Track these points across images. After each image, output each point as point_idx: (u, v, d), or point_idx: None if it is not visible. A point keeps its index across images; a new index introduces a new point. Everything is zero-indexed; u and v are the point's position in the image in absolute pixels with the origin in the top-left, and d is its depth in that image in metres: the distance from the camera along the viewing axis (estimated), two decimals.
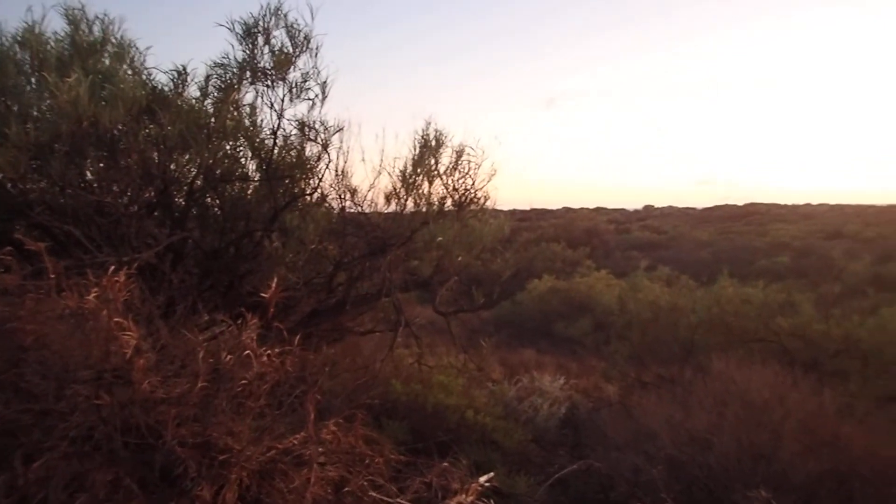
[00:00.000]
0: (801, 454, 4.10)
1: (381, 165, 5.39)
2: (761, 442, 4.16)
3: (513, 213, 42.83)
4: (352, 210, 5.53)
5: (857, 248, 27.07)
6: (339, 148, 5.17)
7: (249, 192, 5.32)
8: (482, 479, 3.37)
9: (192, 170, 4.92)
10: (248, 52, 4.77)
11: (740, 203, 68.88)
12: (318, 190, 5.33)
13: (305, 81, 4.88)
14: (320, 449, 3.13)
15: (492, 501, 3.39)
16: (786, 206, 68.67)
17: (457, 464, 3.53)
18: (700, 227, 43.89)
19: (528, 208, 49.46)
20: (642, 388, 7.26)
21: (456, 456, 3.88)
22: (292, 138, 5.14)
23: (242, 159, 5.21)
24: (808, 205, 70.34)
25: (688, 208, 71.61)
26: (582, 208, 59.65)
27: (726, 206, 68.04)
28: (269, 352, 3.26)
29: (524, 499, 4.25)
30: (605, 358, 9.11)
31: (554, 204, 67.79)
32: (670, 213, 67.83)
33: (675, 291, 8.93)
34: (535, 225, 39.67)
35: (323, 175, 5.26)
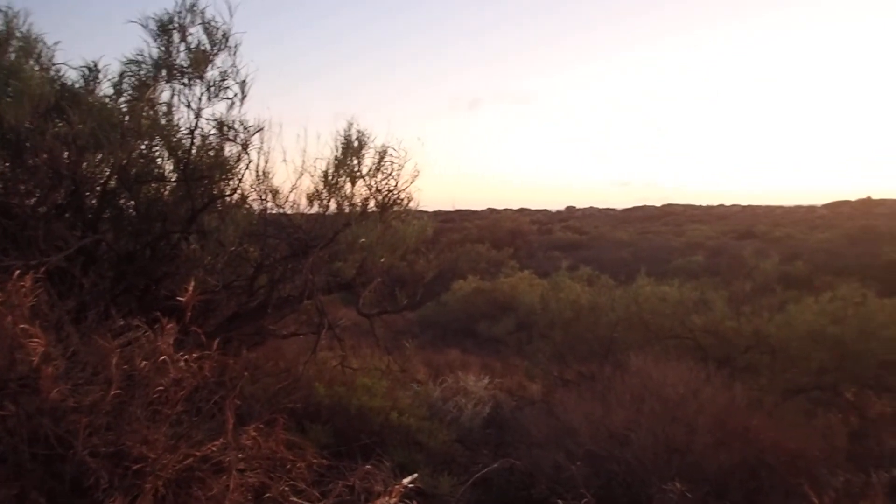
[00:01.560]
0: (713, 447, 4.25)
1: (302, 166, 5.34)
2: (676, 436, 4.29)
3: (437, 213, 43.04)
4: (273, 211, 5.45)
5: (767, 248, 28.14)
6: (260, 148, 5.09)
7: (166, 193, 5.18)
8: (406, 480, 3.37)
9: (105, 170, 4.76)
10: (163, 49, 4.64)
11: (658, 204, 70.95)
12: (238, 191, 5.23)
13: (224, 80, 4.79)
14: (240, 455, 3.07)
15: (415, 503, 3.39)
16: (701, 207, 71.03)
17: (380, 466, 3.52)
18: (620, 228, 44.96)
19: (452, 209, 49.76)
20: (564, 385, 7.39)
21: (379, 458, 3.86)
22: (211, 138, 5.03)
23: (158, 159, 5.07)
24: (721, 206, 72.90)
25: (608, 209, 73.29)
26: (506, 209, 60.24)
27: (645, 206, 70.00)
28: (186, 357, 3.19)
29: (447, 499, 4.27)
30: (528, 357, 9.23)
31: (478, 205, 68.38)
32: (591, 213, 69.28)
33: (596, 291, 9.12)
34: (459, 226, 39.93)
35: (243, 176, 5.17)
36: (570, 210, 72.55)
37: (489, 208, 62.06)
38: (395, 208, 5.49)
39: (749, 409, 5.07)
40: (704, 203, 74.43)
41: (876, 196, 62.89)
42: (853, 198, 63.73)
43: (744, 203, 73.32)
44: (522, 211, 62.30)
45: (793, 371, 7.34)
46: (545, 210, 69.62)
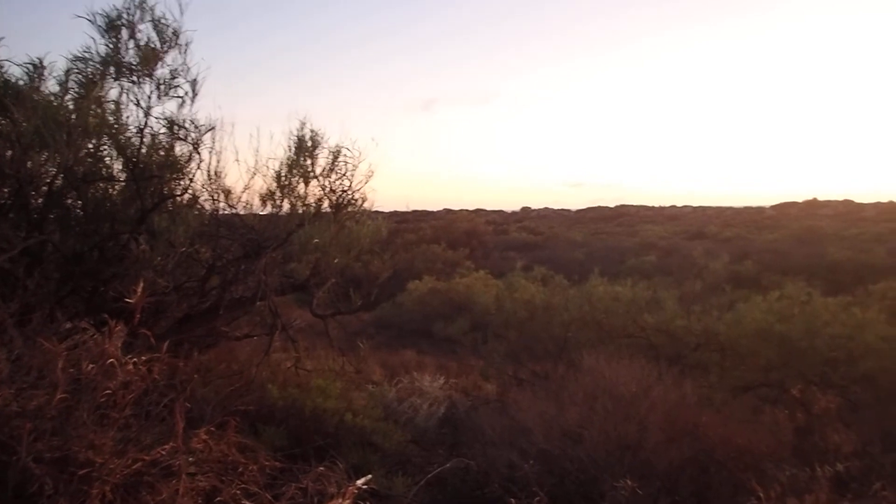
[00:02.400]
0: (664, 443, 4.32)
1: (255, 166, 5.29)
2: (628, 433, 4.35)
3: (393, 214, 43.01)
4: (225, 212, 5.39)
5: (717, 248, 28.76)
6: (212, 148, 5.03)
7: (115, 192, 5.08)
8: (359, 481, 3.36)
9: (50, 169, 4.65)
10: (111, 46, 4.56)
11: (612, 205, 71.94)
12: (189, 191, 5.16)
13: (174, 78, 4.72)
14: (190, 458, 3.03)
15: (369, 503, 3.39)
16: (653, 207, 72.30)
17: (334, 468, 3.50)
18: (574, 228, 45.49)
19: (408, 210, 49.77)
20: (519, 385, 7.44)
21: (333, 460, 3.84)
22: (161, 137, 4.95)
23: (107, 158, 4.97)
24: (673, 207, 74.24)
25: (563, 210, 74.06)
26: (462, 210, 60.37)
27: (599, 207, 70.95)
28: (135, 360, 3.13)
29: (401, 499, 4.26)
30: (483, 357, 9.28)
31: (434, 205, 68.49)
32: (546, 214, 69.91)
33: (550, 291, 9.20)
34: (415, 226, 39.92)
35: (194, 175, 5.10)
36: (526, 211, 73.08)
37: (445, 209, 62.22)
38: (350, 209, 5.47)
39: (699, 407, 5.17)
40: (657, 204, 75.77)
41: (822, 198, 64.83)
42: (800, 199, 65.54)
43: (695, 204, 74.83)
44: (478, 211, 62.56)
45: (741, 368, 7.50)
46: (501, 211, 70.11)
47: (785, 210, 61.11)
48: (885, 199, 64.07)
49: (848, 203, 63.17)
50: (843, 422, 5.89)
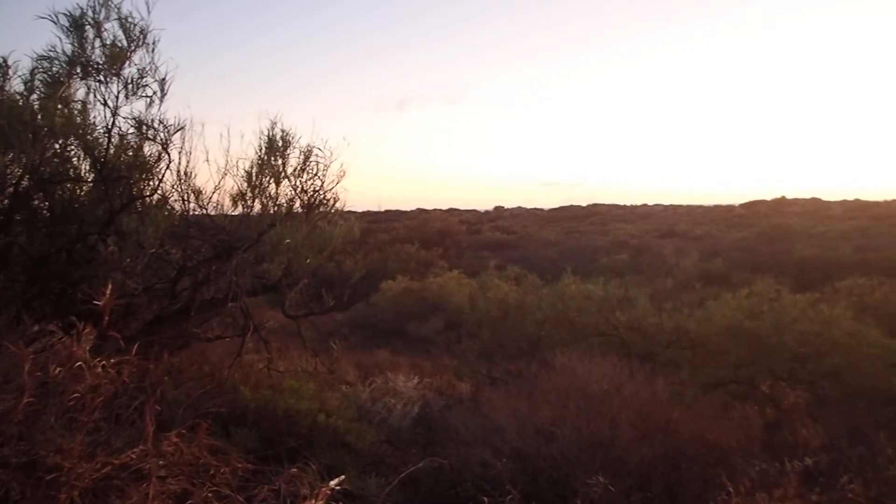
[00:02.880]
0: (636, 440, 4.36)
1: (226, 166, 5.24)
2: (600, 431, 4.39)
3: (366, 214, 42.91)
4: (196, 212, 5.33)
5: (687, 246, 29.02)
6: (181, 148, 4.97)
7: (82, 193, 5.01)
8: (332, 482, 3.35)
9: (16, 170, 4.57)
10: (77, 45, 4.49)
11: (584, 204, 72.53)
12: (159, 191, 5.10)
13: (142, 78, 4.65)
14: (160, 462, 3.00)
15: None
16: (625, 206, 72.99)
17: (307, 469, 3.48)
18: (547, 227, 45.72)
19: (381, 210, 49.67)
20: (492, 383, 7.47)
21: (306, 461, 3.82)
22: (129, 137, 4.88)
23: (74, 159, 4.90)
24: (644, 205, 75.03)
25: (536, 209, 74.44)
26: (435, 209, 60.52)
27: (571, 206, 71.49)
28: (103, 362, 3.09)
29: (374, 500, 4.26)
30: (457, 356, 9.28)
31: (407, 205, 68.49)
32: (520, 213, 70.20)
33: (523, 290, 9.24)
34: (388, 226, 39.88)
35: (163, 176, 5.04)
36: (499, 210, 73.32)
37: (418, 208, 62.33)
38: (322, 209, 5.44)
39: (670, 403, 5.21)
40: (629, 203, 76.50)
41: (790, 196, 65.87)
42: (769, 197, 66.50)
43: (666, 203, 75.66)
44: (451, 211, 62.68)
45: (712, 365, 7.60)
46: (474, 210, 70.37)
47: (754, 208, 61.98)
48: (851, 198, 65.42)
49: (815, 201, 64.32)
50: (812, 417, 5.97)
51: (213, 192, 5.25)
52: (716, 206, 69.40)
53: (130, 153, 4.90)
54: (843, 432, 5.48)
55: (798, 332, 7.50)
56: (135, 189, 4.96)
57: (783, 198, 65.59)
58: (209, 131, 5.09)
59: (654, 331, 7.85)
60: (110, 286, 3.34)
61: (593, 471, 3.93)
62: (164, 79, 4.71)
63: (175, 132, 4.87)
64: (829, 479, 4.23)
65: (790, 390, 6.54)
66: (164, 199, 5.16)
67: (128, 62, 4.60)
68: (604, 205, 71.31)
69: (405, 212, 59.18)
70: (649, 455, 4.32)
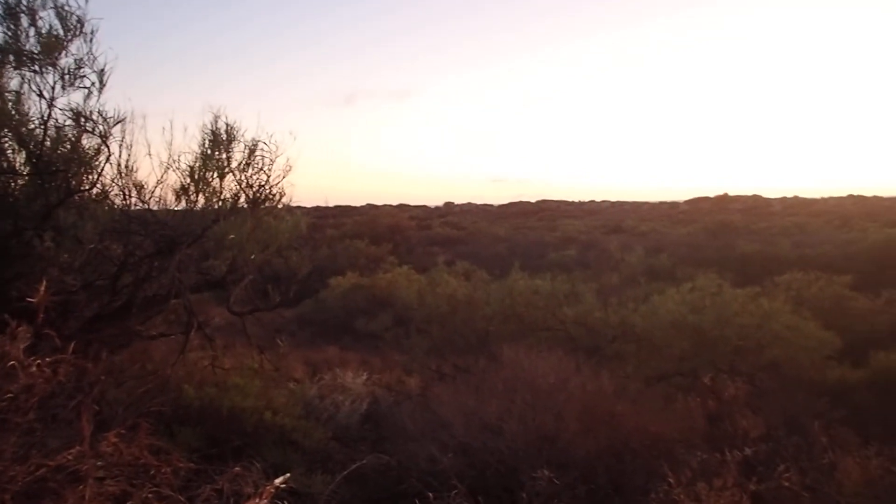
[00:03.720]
0: (581, 433, 4.41)
1: (169, 160, 5.14)
2: (546, 424, 4.43)
3: (315, 209, 42.58)
4: (137, 207, 5.22)
5: (634, 242, 29.46)
6: (122, 141, 4.86)
7: (17, 187, 4.85)
8: (277, 480, 3.30)
9: None
10: (10, 33, 4.34)
11: (533, 200, 73.07)
12: (98, 185, 4.97)
13: (80, 68, 4.53)
14: (98, 462, 2.92)
15: (286, 503, 3.33)
16: (573, 202, 73.84)
17: (251, 468, 3.43)
18: (497, 223, 45.89)
19: (331, 205, 49.34)
20: (441, 379, 7.47)
21: (251, 459, 3.77)
22: (66, 129, 4.74)
23: (8, 151, 4.74)
24: (592, 202, 75.95)
25: (486, 205, 74.82)
26: (385, 205, 60.38)
27: (521, 202, 72.00)
28: (38, 361, 3.00)
29: (320, 497, 4.22)
30: (406, 352, 9.27)
31: (357, 201, 68.14)
32: (470, 209, 70.46)
33: (472, 285, 9.28)
34: (338, 222, 39.62)
35: (103, 169, 4.91)
36: (449, 206, 73.42)
37: (368, 204, 62.10)
38: (267, 204, 5.37)
39: (615, 397, 5.29)
40: (577, 199, 77.40)
41: (732, 193, 67.54)
42: (712, 194, 68.05)
43: (613, 199, 76.80)
44: (401, 207, 62.59)
45: (657, 359, 7.74)
46: (424, 206, 70.31)
47: (698, 205, 63.36)
48: (790, 195, 67.44)
49: (757, 198, 66.07)
50: (752, 408, 6.13)
51: (156, 187, 5.17)
52: (661, 203, 70.88)
53: (68, 146, 4.77)
54: (781, 422, 5.63)
55: (739, 326, 7.69)
56: (73, 183, 4.83)
57: (726, 195, 67.20)
58: (151, 124, 5.00)
59: (600, 325, 7.96)
60: (45, 283, 3.24)
61: (539, 464, 3.96)
62: (102, 70, 4.60)
63: (115, 124, 4.76)
64: (766, 469, 4.35)
65: (731, 382, 6.71)
66: (104, 193, 5.04)
67: (64, 52, 4.47)
68: (552, 201, 71.99)
69: (355, 207, 58.90)
70: (594, 448, 4.37)
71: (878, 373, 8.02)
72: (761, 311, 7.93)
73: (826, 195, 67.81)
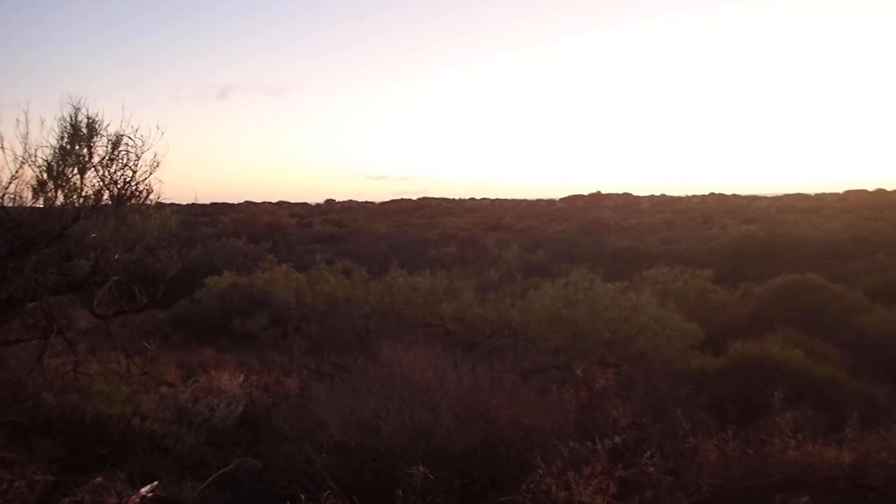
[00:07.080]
0: (457, 428, 4.47)
1: (24, 154, 4.83)
2: (423, 421, 4.46)
3: (191, 207, 41.10)
4: None
5: (512, 238, 30.16)
6: None
7: None
8: (144, 489, 3.18)
9: None
10: None
11: (414, 198, 73.52)
12: None
13: None
14: None
15: None
16: (454, 200, 74.80)
17: (114, 477, 3.29)
18: (378, 221, 45.88)
19: (204, 202, 47.85)
20: (320, 378, 7.39)
21: (115, 469, 3.61)
22: None
23: None
24: (472, 199, 77.19)
25: (367, 202, 74.63)
26: (264, 202, 59.13)
27: (402, 200, 72.34)
28: None
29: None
30: (284, 352, 9.12)
31: (235, 198, 66.43)
32: (351, 206, 70.06)
33: (352, 283, 9.23)
34: (215, 219, 38.48)
35: None
36: (330, 203, 72.70)
37: (247, 201, 60.70)
38: (133, 201, 5.14)
39: (491, 391, 5.39)
40: (457, 196, 78.45)
41: (605, 190, 70.42)
42: (586, 192, 70.71)
43: (493, 197, 78.31)
44: (281, 204, 61.50)
45: (533, 352, 7.95)
46: (305, 203, 69.36)
47: (573, 202, 65.66)
48: (658, 193, 70.98)
49: (627, 196, 69.16)
50: (621, 397, 6.39)
51: (10, 183, 4.84)
52: (539, 201, 72.92)
53: None
54: (648, 410, 5.90)
55: (609, 319, 8.00)
56: None
57: (599, 192, 69.95)
58: (5, 115, 4.69)
59: (478, 321, 8.10)
60: None
61: (416, 460, 3.99)
62: None
63: None
64: (634, 455, 4.55)
65: (601, 373, 6.97)
66: None
67: None
68: (434, 199, 72.65)
69: (233, 205, 57.39)
70: (470, 442, 4.45)
71: (735, 360, 8.53)
72: (630, 304, 8.28)
73: (690, 193, 71.90)
